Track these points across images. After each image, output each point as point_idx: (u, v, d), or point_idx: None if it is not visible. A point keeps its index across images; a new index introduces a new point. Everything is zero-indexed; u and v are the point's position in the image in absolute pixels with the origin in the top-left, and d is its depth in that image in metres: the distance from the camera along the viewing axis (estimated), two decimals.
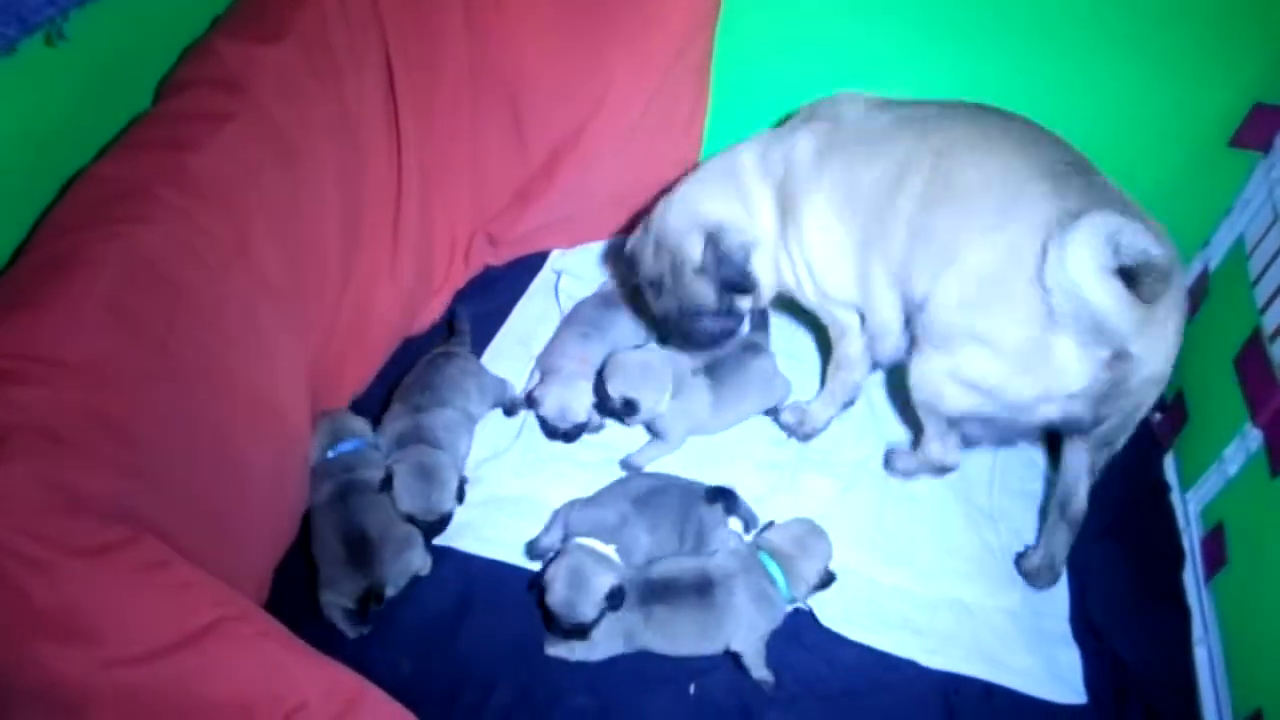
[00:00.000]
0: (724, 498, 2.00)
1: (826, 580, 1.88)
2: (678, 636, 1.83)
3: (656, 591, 1.82)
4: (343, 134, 2.00)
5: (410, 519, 1.94)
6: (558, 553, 1.85)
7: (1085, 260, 1.47)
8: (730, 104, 2.56)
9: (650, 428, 2.23)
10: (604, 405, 2.19)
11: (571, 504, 2.01)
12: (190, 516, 1.48)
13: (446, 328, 2.46)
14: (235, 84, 1.75)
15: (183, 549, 1.30)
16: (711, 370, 2.22)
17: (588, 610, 1.73)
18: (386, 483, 1.95)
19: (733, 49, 2.45)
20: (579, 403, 2.19)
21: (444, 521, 1.98)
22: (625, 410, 2.14)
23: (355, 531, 1.88)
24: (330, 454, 2.02)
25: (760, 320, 2.38)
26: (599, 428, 2.28)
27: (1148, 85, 2.19)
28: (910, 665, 1.89)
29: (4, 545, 1.11)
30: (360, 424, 2.14)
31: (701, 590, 1.82)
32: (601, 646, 1.82)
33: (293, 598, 1.85)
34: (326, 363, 2.11)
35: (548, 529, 2.00)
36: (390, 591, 1.87)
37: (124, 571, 1.12)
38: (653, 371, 2.15)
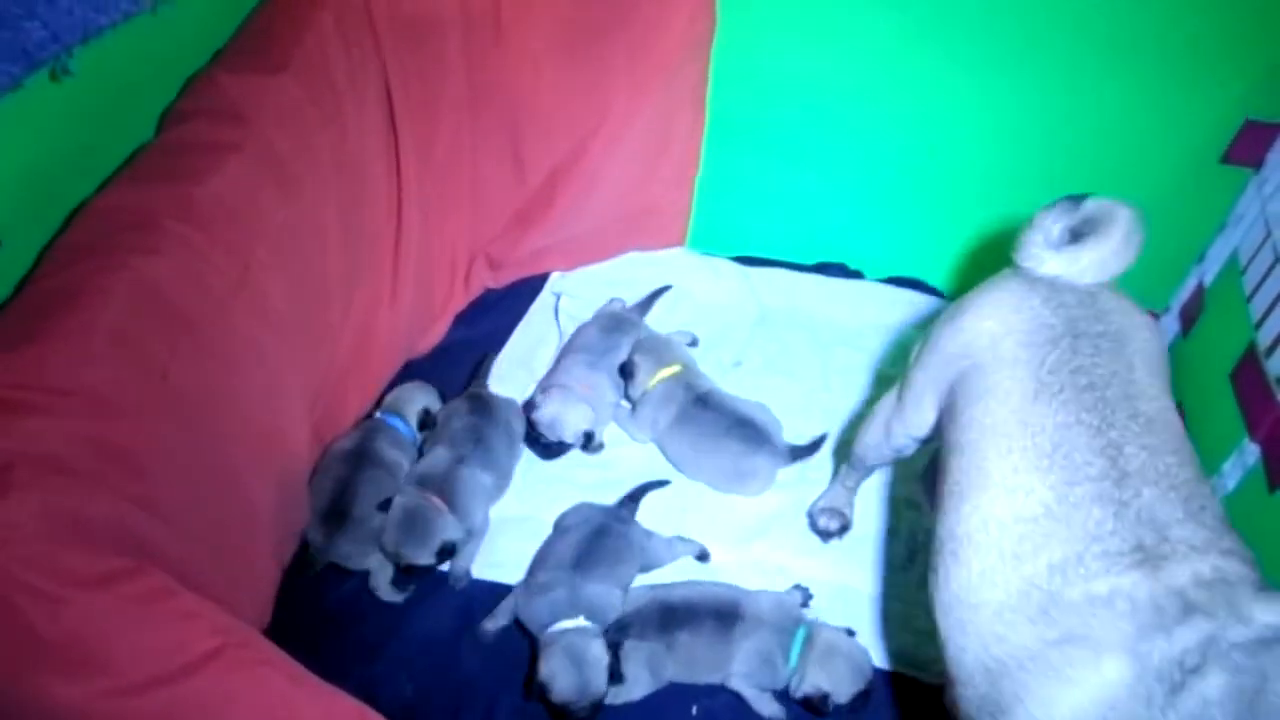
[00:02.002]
0: (632, 502, 2.03)
1: (824, 702, 1.75)
2: (696, 663, 1.81)
3: (679, 617, 1.82)
4: (343, 163, 2.02)
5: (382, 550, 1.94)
6: (540, 653, 1.76)
7: None
8: (727, 124, 2.58)
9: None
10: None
11: (515, 595, 1.92)
12: (194, 545, 1.49)
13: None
14: (238, 115, 1.77)
15: (186, 577, 1.30)
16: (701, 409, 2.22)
17: (599, 683, 1.69)
18: (385, 505, 1.96)
19: (728, 69, 2.47)
20: (572, 420, 2.21)
21: (410, 570, 1.93)
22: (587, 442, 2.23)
23: (345, 496, 1.97)
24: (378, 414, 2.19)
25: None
26: (599, 448, 2.29)
27: (1139, 102, 2.21)
28: (914, 683, 1.88)
29: (9, 575, 1.11)
30: (419, 403, 2.22)
31: (723, 617, 1.81)
32: (635, 687, 1.79)
33: (296, 621, 1.87)
34: (328, 388, 2.13)
35: (494, 616, 1.92)
36: (331, 562, 1.95)
37: (127, 601, 1.13)
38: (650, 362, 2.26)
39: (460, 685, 1.86)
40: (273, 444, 1.82)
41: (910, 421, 1.70)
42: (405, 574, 1.94)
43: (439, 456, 2.06)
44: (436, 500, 1.95)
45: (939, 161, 2.48)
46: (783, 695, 1.82)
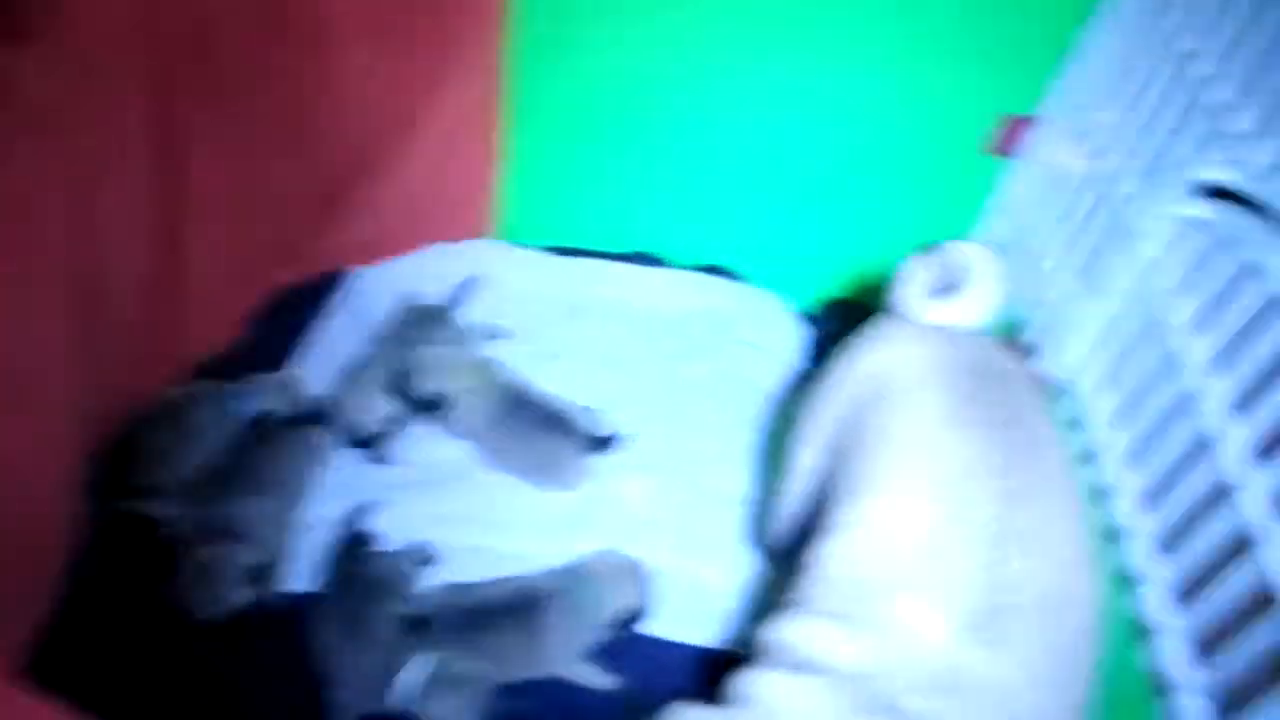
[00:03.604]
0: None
1: (633, 617, 1.84)
2: (508, 661, 1.77)
3: (479, 618, 1.78)
4: (88, 154, 1.82)
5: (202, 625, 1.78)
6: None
7: None
8: (533, 111, 2.56)
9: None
10: (413, 404, 2.16)
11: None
12: None
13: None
14: None
15: None
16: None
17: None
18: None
19: (534, 53, 2.43)
20: (378, 402, 2.15)
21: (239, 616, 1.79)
22: (435, 404, 2.13)
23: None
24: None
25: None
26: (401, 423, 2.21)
27: (904, 94, 2.37)
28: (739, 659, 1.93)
29: None
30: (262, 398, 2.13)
31: (522, 607, 1.79)
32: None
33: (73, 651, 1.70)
34: (105, 395, 1.94)
35: None
36: None
37: None
38: (450, 361, 2.18)
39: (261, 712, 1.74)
40: (26, 453, 1.63)
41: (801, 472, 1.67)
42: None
43: (204, 501, 1.92)
44: (221, 547, 1.82)
45: (738, 150, 2.58)
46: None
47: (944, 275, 1.59)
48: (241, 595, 1.78)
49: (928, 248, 1.65)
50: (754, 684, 1.22)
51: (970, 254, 1.58)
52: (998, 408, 1.31)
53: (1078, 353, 1.95)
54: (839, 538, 1.31)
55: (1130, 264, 1.82)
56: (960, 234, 2.59)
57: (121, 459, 1.95)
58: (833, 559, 1.29)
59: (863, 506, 1.30)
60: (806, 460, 1.64)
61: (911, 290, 1.59)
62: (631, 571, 1.89)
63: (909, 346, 1.48)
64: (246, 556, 1.81)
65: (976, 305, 1.55)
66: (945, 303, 1.55)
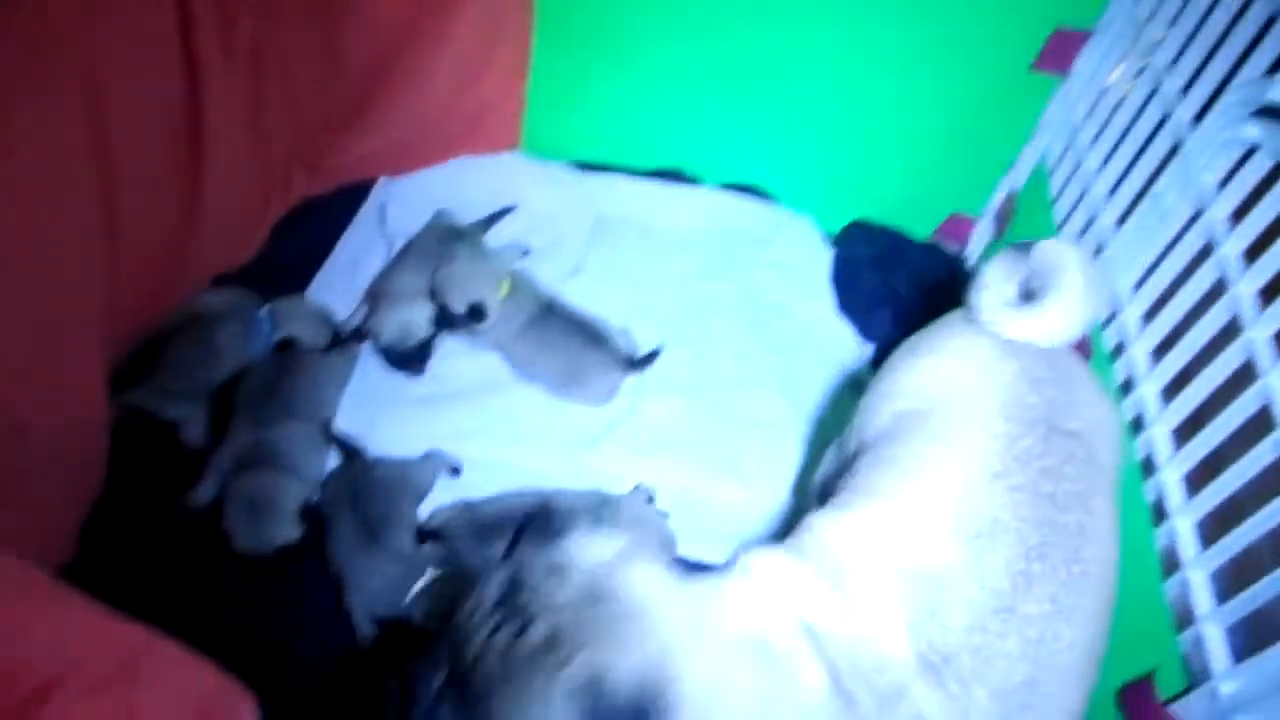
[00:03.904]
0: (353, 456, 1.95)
1: None
2: None
3: (493, 531, 1.78)
4: (117, 54, 1.77)
5: (245, 555, 1.79)
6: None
7: None
8: (559, 22, 2.46)
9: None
10: (449, 321, 2.14)
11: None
12: None
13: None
14: None
15: None
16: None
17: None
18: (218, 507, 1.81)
19: None
20: (419, 316, 2.13)
21: (289, 556, 1.80)
22: (474, 317, 2.10)
23: (162, 349, 1.95)
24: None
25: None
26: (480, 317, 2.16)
27: (951, 11, 2.24)
28: None
29: None
30: (293, 327, 2.11)
31: (541, 524, 1.79)
32: None
33: (106, 557, 1.74)
34: (126, 309, 1.94)
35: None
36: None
37: None
38: (484, 271, 2.14)
39: (290, 612, 1.78)
40: (54, 364, 1.64)
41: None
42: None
43: (239, 429, 1.91)
44: (264, 473, 1.82)
45: (772, 67, 2.47)
46: None
47: (1029, 279, 1.37)
48: (291, 533, 1.79)
49: (1014, 247, 1.42)
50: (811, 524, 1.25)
51: (1061, 256, 1.35)
52: (1054, 478, 1.21)
53: (1126, 283, 1.88)
54: (853, 515, 1.27)
55: (1186, 189, 1.73)
56: (1006, 155, 2.49)
57: (142, 362, 1.95)
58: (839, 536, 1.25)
59: (883, 504, 1.25)
60: (851, 448, 1.54)
61: (990, 297, 1.38)
62: (657, 528, 1.87)
63: (978, 375, 1.33)
64: (297, 493, 1.81)
65: (1063, 318, 1.33)
66: (1028, 314, 1.34)
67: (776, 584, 0.98)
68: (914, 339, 1.51)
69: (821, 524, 1.26)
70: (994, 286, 1.39)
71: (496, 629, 1.00)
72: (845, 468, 1.46)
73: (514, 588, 1.04)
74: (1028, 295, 1.37)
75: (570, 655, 0.96)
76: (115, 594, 1.14)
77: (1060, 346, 1.37)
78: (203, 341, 2.01)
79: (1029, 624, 1.12)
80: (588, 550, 1.09)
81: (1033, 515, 1.18)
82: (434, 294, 2.15)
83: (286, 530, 1.78)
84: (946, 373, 1.37)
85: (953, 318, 1.47)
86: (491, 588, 1.06)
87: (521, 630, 0.99)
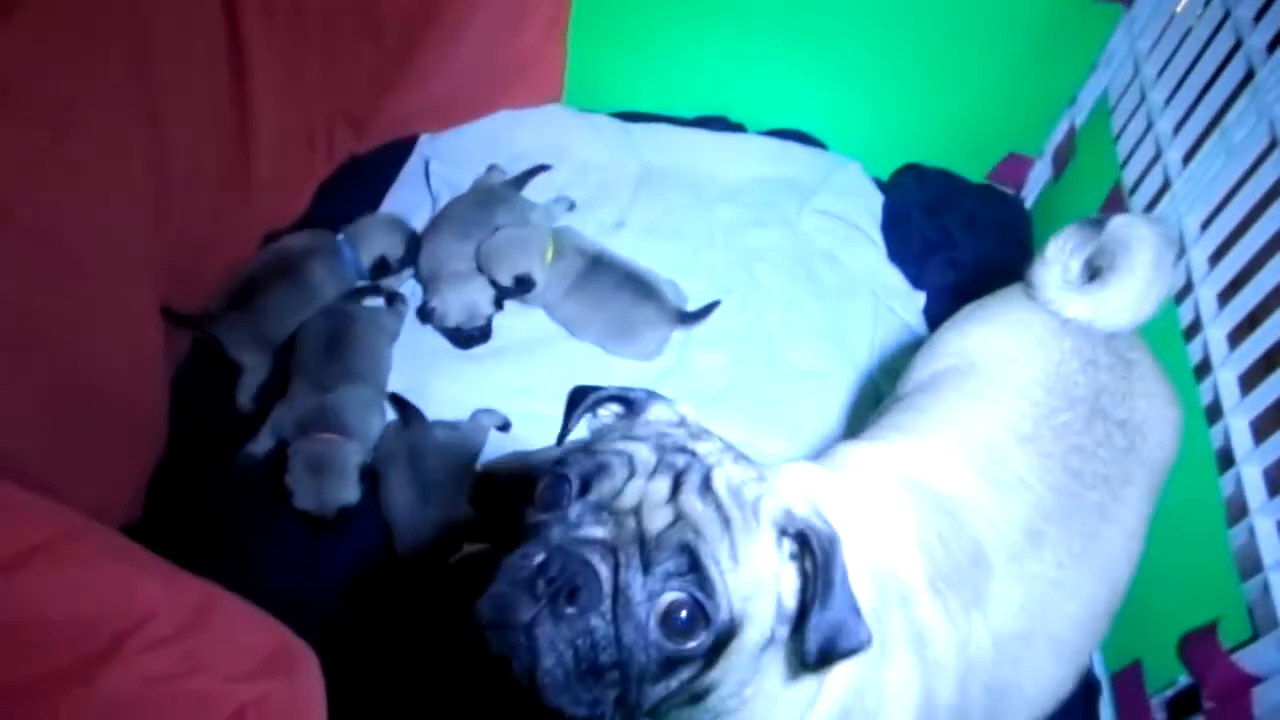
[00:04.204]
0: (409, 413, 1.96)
1: None
2: None
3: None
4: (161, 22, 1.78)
5: (308, 517, 1.82)
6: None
7: None
8: None
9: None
10: (498, 293, 2.15)
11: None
12: (27, 436, 1.38)
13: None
14: None
15: (17, 470, 1.21)
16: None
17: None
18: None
19: None
20: (483, 297, 2.14)
21: (347, 514, 1.83)
22: (521, 289, 2.11)
23: (254, 289, 2.02)
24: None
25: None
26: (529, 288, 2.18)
27: None
28: None
29: None
30: (378, 246, 2.15)
31: None
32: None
33: (173, 515, 1.80)
34: (181, 265, 1.98)
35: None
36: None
37: None
38: (527, 240, 2.13)
39: (348, 570, 1.83)
40: (115, 325, 1.68)
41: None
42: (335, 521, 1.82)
43: (300, 392, 1.94)
44: (327, 436, 1.84)
45: (817, 3, 2.39)
46: None
47: (1096, 256, 1.28)
48: (352, 494, 1.82)
49: (1085, 221, 1.33)
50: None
51: (1131, 232, 1.26)
52: (1087, 456, 1.19)
53: (1192, 223, 1.80)
54: (878, 445, 1.27)
55: (1259, 121, 1.64)
56: (1066, 90, 2.39)
57: (235, 303, 2.02)
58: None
59: (909, 440, 1.25)
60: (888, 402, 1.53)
61: (1052, 274, 1.31)
62: None
63: (1026, 347, 1.28)
64: (358, 455, 1.84)
65: (1125, 300, 1.25)
66: (1088, 294, 1.27)
67: (804, 485, 0.98)
68: (969, 308, 1.47)
69: (847, 449, 1.27)
70: (1057, 262, 1.33)
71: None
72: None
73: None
74: (1093, 274, 1.31)
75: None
76: (178, 553, 1.18)
77: (1127, 331, 1.31)
78: (296, 284, 2.08)
79: (1034, 583, 1.12)
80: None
81: (1056, 483, 1.17)
82: (480, 268, 2.15)
83: (348, 491, 1.81)
84: (996, 341, 1.34)
85: (1013, 291, 1.42)
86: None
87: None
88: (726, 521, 0.87)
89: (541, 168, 2.48)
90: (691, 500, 0.87)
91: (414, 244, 2.23)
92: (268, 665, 1.10)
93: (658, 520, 0.86)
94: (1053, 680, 1.17)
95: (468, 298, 2.13)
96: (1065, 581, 1.15)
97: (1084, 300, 1.29)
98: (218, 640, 1.09)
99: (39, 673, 0.99)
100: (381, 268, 2.17)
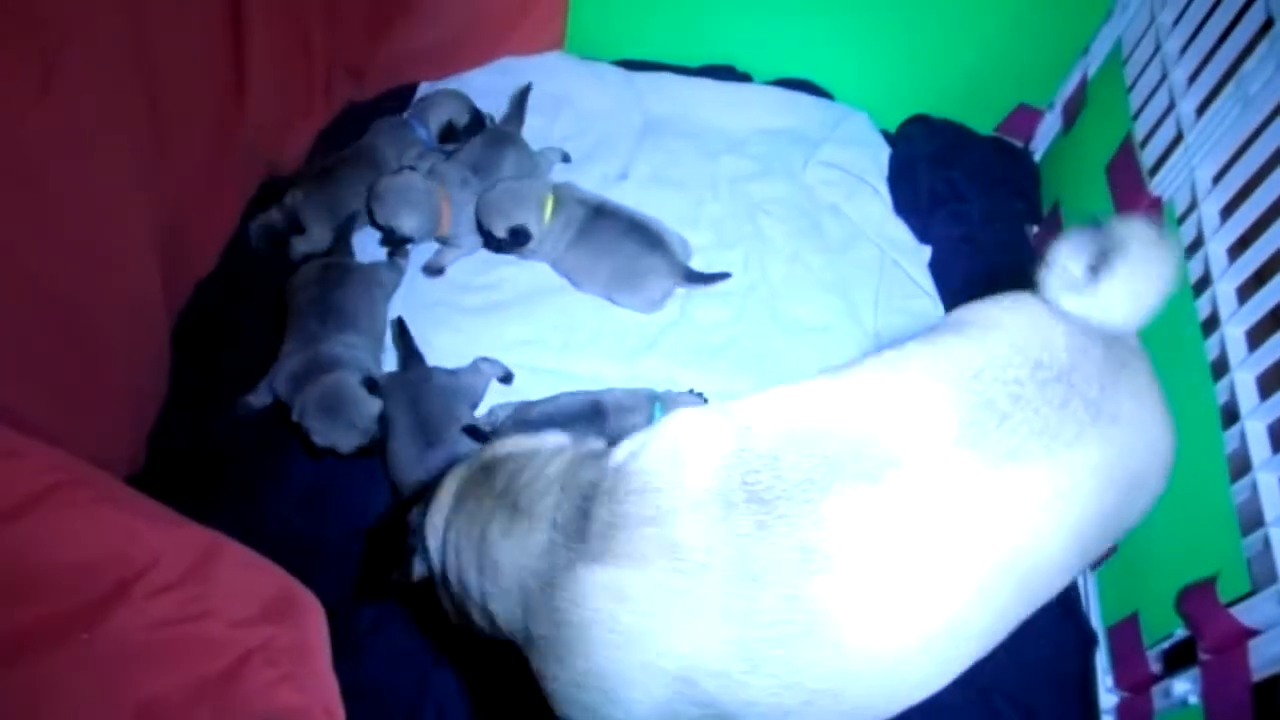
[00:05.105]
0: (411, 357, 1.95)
1: None
2: None
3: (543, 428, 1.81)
4: None
5: (333, 452, 1.79)
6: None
7: None
8: None
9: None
10: (494, 245, 2.13)
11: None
12: (27, 385, 1.38)
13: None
14: None
15: (21, 419, 1.21)
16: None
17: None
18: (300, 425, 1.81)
19: None
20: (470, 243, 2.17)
21: (376, 440, 1.82)
22: (516, 240, 2.08)
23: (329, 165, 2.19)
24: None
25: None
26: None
27: None
28: None
29: None
30: (445, 113, 2.33)
31: (590, 419, 1.81)
32: None
33: (175, 463, 1.81)
34: (180, 211, 1.95)
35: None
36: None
37: None
38: (523, 193, 2.10)
39: (350, 517, 1.83)
40: (112, 273, 1.66)
41: None
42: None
43: (295, 349, 1.90)
44: (334, 378, 1.81)
45: None
46: None
47: (1097, 257, 1.28)
48: (369, 434, 1.80)
49: (1087, 225, 1.33)
50: None
51: (1131, 231, 1.27)
52: (1021, 406, 1.15)
53: (1204, 176, 1.77)
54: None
55: (1276, 71, 1.61)
56: (1079, 39, 2.34)
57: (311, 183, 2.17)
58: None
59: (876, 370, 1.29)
60: None
61: (1054, 281, 1.31)
62: None
63: (1015, 318, 1.28)
64: (372, 406, 1.81)
65: (1125, 296, 1.26)
66: (1086, 290, 1.27)
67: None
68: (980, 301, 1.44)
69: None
70: (1061, 265, 1.32)
71: None
72: None
73: None
74: (1094, 273, 1.29)
75: None
76: (181, 503, 1.18)
77: (1129, 337, 1.30)
78: (371, 163, 2.23)
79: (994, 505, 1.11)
80: None
81: (975, 419, 1.14)
82: (477, 220, 2.13)
83: (368, 416, 1.80)
84: (993, 312, 1.33)
85: (1023, 294, 1.39)
86: None
87: None
88: None
89: (527, 89, 2.43)
90: None
91: (478, 115, 2.38)
92: (271, 611, 1.11)
93: None
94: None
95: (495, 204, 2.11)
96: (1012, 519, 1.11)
97: (1080, 296, 1.28)
98: (221, 586, 1.09)
99: (43, 618, 1.00)
100: (449, 133, 2.35)
